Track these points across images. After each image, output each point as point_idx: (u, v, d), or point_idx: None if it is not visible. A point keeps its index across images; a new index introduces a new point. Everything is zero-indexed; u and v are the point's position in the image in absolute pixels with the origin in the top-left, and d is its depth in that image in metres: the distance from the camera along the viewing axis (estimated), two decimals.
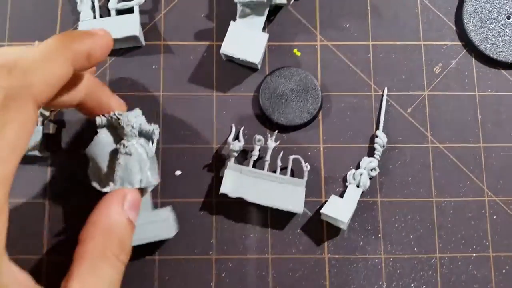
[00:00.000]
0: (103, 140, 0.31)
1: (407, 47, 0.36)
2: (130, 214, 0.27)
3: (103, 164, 0.30)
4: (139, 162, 0.30)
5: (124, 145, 0.30)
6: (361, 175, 0.33)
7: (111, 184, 0.29)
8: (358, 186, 0.33)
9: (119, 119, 0.30)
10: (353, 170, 0.34)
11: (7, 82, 0.20)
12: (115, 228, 0.26)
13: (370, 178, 0.34)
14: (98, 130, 0.31)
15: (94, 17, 0.35)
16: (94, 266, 0.24)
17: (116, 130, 0.31)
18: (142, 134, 0.31)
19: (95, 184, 0.30)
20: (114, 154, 0.31)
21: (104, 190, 0.29)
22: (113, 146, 0.31)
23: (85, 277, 0.24)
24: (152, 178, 0.30)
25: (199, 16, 0.36)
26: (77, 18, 0.35)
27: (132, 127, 0.30)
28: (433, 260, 0.33)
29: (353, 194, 0.33)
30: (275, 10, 0.36)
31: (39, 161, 0.34)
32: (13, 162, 0.20)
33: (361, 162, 0.34)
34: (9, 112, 0.20)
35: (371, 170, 0.33)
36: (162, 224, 0.31)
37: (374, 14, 0.36)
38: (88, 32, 0.26)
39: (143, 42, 0.35)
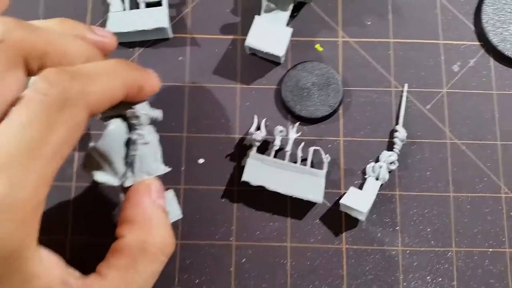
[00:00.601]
0: (115, 131, 0.29)
1: (426, 45, 0.37)
2: (160, 203, 0.27)
3: (118, 157, 0.29)
4: (154, 151, 0.30)
5: (140, 134, 0.29)
6: (380, 168, 0.34)
7: (129, 176, 0.28)
8: (377, 179, 0.34)
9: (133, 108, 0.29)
10: (372, 163, 0.34)
11: (69, 85, 0.21)
12: (153, 220, 0.26)
13: (389, 172, 0.34)
14: (107, 122, 0.29)
15: (124, 9, 0.36)
16: (135, 261, 0.24)
17: (127, 120, 0.29)
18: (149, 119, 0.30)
19: (105, 179, 0.28)
20: (127, 145, 0.29)
21: (127, 184, 0.28)
22: (125, 136, 0.29)
23: (125, 270, 0.24)
24: (162, 165, 0.30)
25: (225, 11, 0.37)
26: (107, 9, 0.36)
27: (146, 115, 0.30)
28: (450, 253, 0.34)
29: (372, 186, 0.34)
30: (298, 6, 0.37)
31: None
32: (57, 162, 0.21)
33: (380, 156, 0.34)
34: (64, 113, 0.20)
35: (390, 163, 0.34)
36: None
37: (395, 13, 0.37)
38: (142, 68, 0.27)
39: (171, 35, 0.36)
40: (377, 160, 0.35)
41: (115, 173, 0.28)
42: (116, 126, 0.28)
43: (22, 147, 0.19)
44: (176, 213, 0.30)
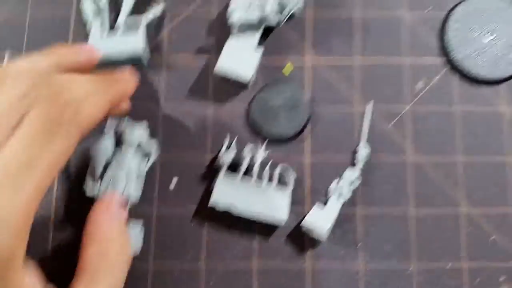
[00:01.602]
0: (106, 143, 0.34)
1: (391, 63, 0.38)
2: (118, 216, 0.30)
3: (99, 166, 0.33)
4: (127, 175, 0.33)
5: (119, 154, 0.33)
6: (342, 187, 0.35)
7: (96, 188, 0.33)
8: (339, 197, 0.35)
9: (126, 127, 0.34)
10: (335, 182, 0.36)
11: (63, 110, 0.24)
12: (108, 235, 0.29)
13: (351, 190, 0.36)
14: (105, 132, 0.34)
15: (103, 36, 0.38)
16: (97, 274, 0.27)
17: (121, 137, 0.34)
18: (140, 148, 0.34)
19: (85, 187, 0.33)
20: (110, 159, 0.34)
21: (89, 194, 0.33)
22: (112, 151, 0.34)
23: (89, 284, 0.27)
24: (133, 194, 0.33)
25: (200, 34, 0.39)
26: (87, 35, 0.38)
27: (133, 139, 0.34)
28: (409, 270, 0.35)
29: (334, 206, 0.35)
30: (269, 29, 0.38)
31: None
32: (50, 178, 0.23)
33: (343, 174, 0.36)
34: (57, 133, 0.23)
35: (352, 182, 0.36)
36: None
37: (361, 33, 0.38)
38: (119, 76, 0.30)
39: (148, 58, 0.38)
40: (340, 178, 0.36)
41: (93, 185, 0.33)
42: (108, 139, 0.34)
43: (21, 165, 0.21)
44: (137, 246, 0.34)
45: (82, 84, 0.26)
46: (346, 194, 0.35)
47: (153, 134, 0.36)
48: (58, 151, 0.23)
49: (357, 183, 0.35)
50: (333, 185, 0.36)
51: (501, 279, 0.35)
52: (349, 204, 0.36)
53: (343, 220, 0.36)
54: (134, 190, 0.33)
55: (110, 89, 0.28)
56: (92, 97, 0.26)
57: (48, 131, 0.23)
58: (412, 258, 0.35)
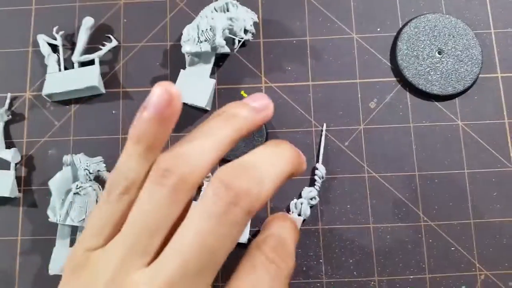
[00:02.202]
0: (65, 176, 0.35)
1: (344, 85, 0.39)
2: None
3: (58, 196, 0.35)
4: (86, 204, 0.35)
5: (77, 186, 0.34)
6: (301, 204, 0.36)
7: (62, 215, 0.35)
8: (299, 215, 0.36)
9: (80, 161, 0.35)
10: (295, 200, 0.36)
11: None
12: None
13: (310, 207, 0.36)
14: (64, 167, 0.36)
15: (60, 70, 0.39)
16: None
17: (77, 171, 0.35)
18: (99, 180, 0.36)
19: (48, 212, 0.35)
20: (68, 190, 0.35)
21: (53, 220, 0.35)
22: (70, 183, 0.35)
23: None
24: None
25: (155, 65, 0.40)
26: (45, 70, 0.39)
27: (89, 172, 0.35)
28: (372, 283, 0.36)
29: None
30: (222, 57, 0.40)
31: (10, 201, 0.37)
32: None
33: (302, 192, 0.37)
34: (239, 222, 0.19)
35: (311, 199, 0.36)
36: None
37: (314, 57, 0.40)
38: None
39: (103, 90, 0.39)
40: (299, 197, 0.37)
41: (55, 209, 0.35)
42: (66, 173, 0.35)
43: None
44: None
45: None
46: (306, 210, 0.36)
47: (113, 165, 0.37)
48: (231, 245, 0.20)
49: (315, 200, 0.36)
50: (293, 203, 0.36)
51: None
52: (310, 221, 0.36)
53: (306, 236, 0.36)
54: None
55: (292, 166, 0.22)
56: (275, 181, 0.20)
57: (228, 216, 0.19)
58: (375, 271, 0.36)
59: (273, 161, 0.21)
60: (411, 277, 0.36)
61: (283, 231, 0.23)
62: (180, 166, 0.20)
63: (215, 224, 0.19)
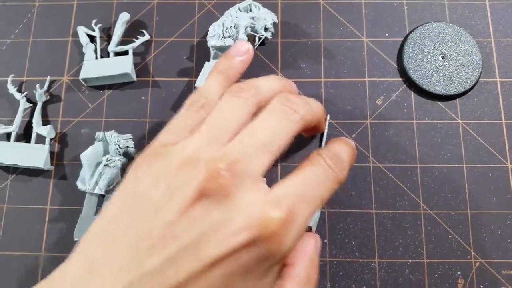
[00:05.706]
0: (96, 150, 0.39)
1: (354, 83, 0.42)
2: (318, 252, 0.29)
3: (89, 168, 0.38)
4: (114, 175, 0.38)
5: (107, 158, 0.38)
6: None
7: (91, 185, 0.38)
8: None
9: (112, 137, 0.39)
10: None
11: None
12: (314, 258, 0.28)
13: None
14: (95, 142, 0.40)
15: (96, 58, 0.43)
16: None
17: (108, 145, 0.39)
18: (127, 155, 0.39)
19: (78, 183, 0.38)
20: (98, 163, 0.39)
21: (82, 188, 0.38)
22: (101, 157, 0.39)
23: None
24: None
25: (182, 58, 0.44)
26: (82, 59, 0.43)
27: (119, 147, 0.38)
28: (373, 264, 0.38)
29: None
30: None
31: (43, 173, 0.41)
32: None
33: None
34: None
35: None
36: None
37: (327, 57, 0.43)
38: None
39: (135, 78, 0.43)
40: None
41: (84, 180, 0.39)
42: (98, 147, 0.39)
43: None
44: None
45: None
46: None
47: (141, 145, 0.41)
48: None
49: None
50: None
51: None
52: None
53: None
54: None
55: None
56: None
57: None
58: (376, 254, 0.38)
59: (317, 104, 0.30)
60: (410, 261, 0.38)
61: (342, 150, 0.29)
62: (251, 88, 0.27)
63: (279, 117, 0.26)
